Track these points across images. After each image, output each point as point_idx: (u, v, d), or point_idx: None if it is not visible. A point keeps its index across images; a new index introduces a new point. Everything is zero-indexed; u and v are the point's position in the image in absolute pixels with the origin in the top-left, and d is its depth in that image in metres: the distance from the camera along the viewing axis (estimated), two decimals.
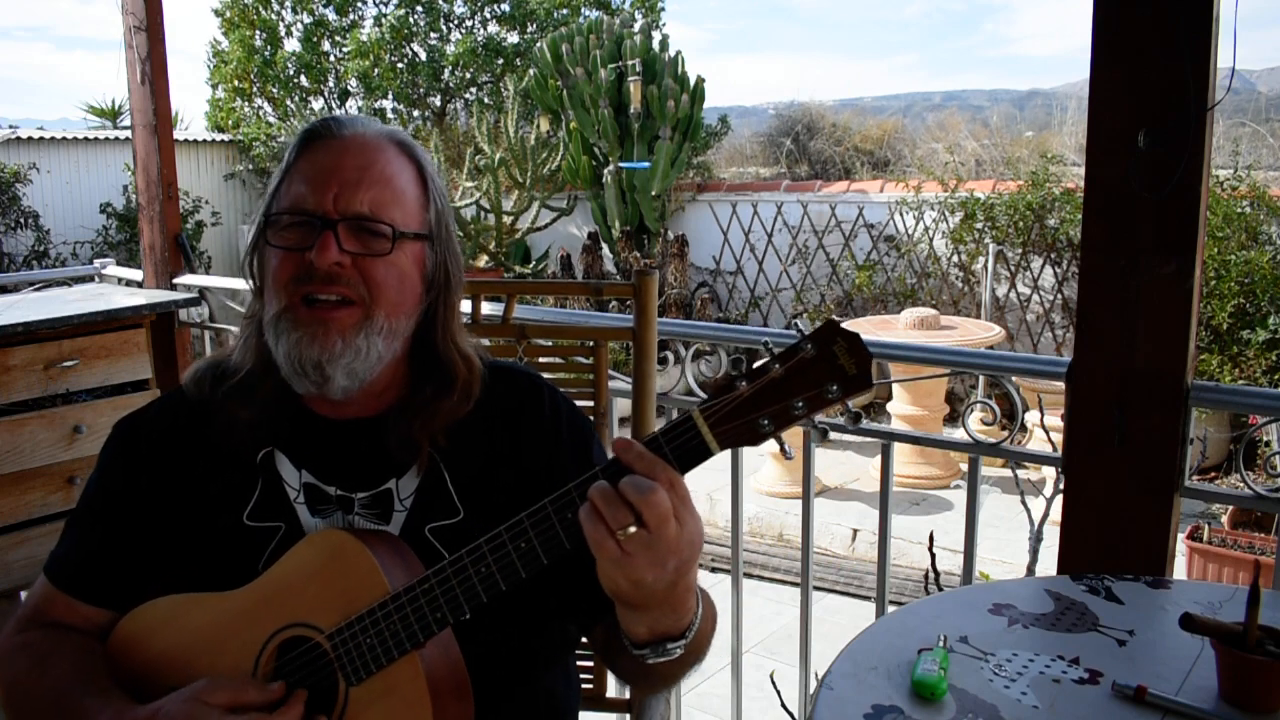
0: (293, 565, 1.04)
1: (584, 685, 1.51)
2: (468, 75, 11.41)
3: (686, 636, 0.94)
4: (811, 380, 0.83)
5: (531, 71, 8.44)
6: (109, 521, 1.13)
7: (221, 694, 0.97)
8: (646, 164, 7.60)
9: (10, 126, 8.44)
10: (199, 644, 1.05)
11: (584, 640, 1.52)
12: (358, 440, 1.12)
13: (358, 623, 0.98)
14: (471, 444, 1.12)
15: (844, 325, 0.84)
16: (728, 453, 2.03)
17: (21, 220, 8.04)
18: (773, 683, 2.14)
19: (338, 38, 11.71)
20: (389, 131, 1.10)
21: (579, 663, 1.47)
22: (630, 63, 7.52)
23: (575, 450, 1.17)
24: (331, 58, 11.73)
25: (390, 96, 11.35)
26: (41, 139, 8.55)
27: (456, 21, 11.74)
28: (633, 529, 0.82)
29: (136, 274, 3.55)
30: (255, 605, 1.04)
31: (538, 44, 8.76)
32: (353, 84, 11.44)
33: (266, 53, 11.54)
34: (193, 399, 1.14)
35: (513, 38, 11.68)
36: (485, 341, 1.65)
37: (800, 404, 0.83)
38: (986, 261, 6.39)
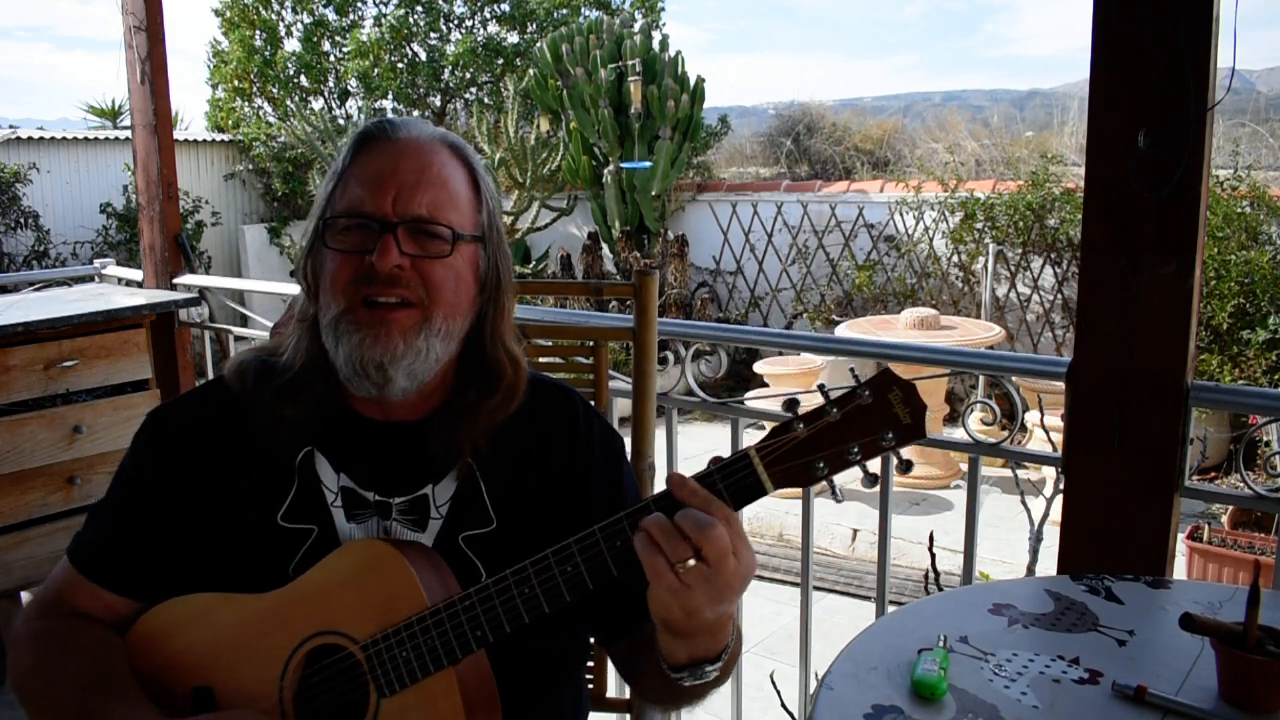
0: (327, 572, 1.02)
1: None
2: (468, 75, 11.40)
3: (722, 659, 0.96)
4: (867, 427, 0.85)
5: (531, 71, 8.45)
6: (138, 510, 1.12)
7: None
8: (646, 164, 7.60)
9: (10, 126, 8.44)
10: (225, 644, 1.04)
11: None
12: (400, 444, 1.11)
13: (394, 635, 0.97)
14: (508, 456, 1.12)
15: (898, 375, 0.86)
16: (727, 453, 2.03)
17: (21, 220, 8.04)
18: (773, 683, 2.15)
19: (338, 38, 11.70)
20: (441, 134, 1.11)
21: None
22: (630, 63, 7.53)
23: (607, 466, 1.18)
24: (331, 58, 11.72)
25: (390, 96, 11.34)
26: (41, 139, 8.54)
27: (456, 21, 11.74)
28: (692, 562, 0.84)
29: (136, 274, 3.55)
30: (286, 609, 1.03)
31: (538, 44, 8.77)
32: (353, 84, 11.44)
33: (266, 53, 11.54)
34: (234, 392, 1.12)
35: (513, 38, 11.68)
36: None
37: (856, 450, 0.85)
38: (986, 261, 6.39)
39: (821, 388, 0.89)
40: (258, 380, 1.11)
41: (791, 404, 0.89)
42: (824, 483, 0.88)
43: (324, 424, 1.11)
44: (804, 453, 0.85)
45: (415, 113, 11.48)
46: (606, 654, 1.38)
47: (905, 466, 0.91)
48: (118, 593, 1.11)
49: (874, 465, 0.89)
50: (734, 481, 0.88)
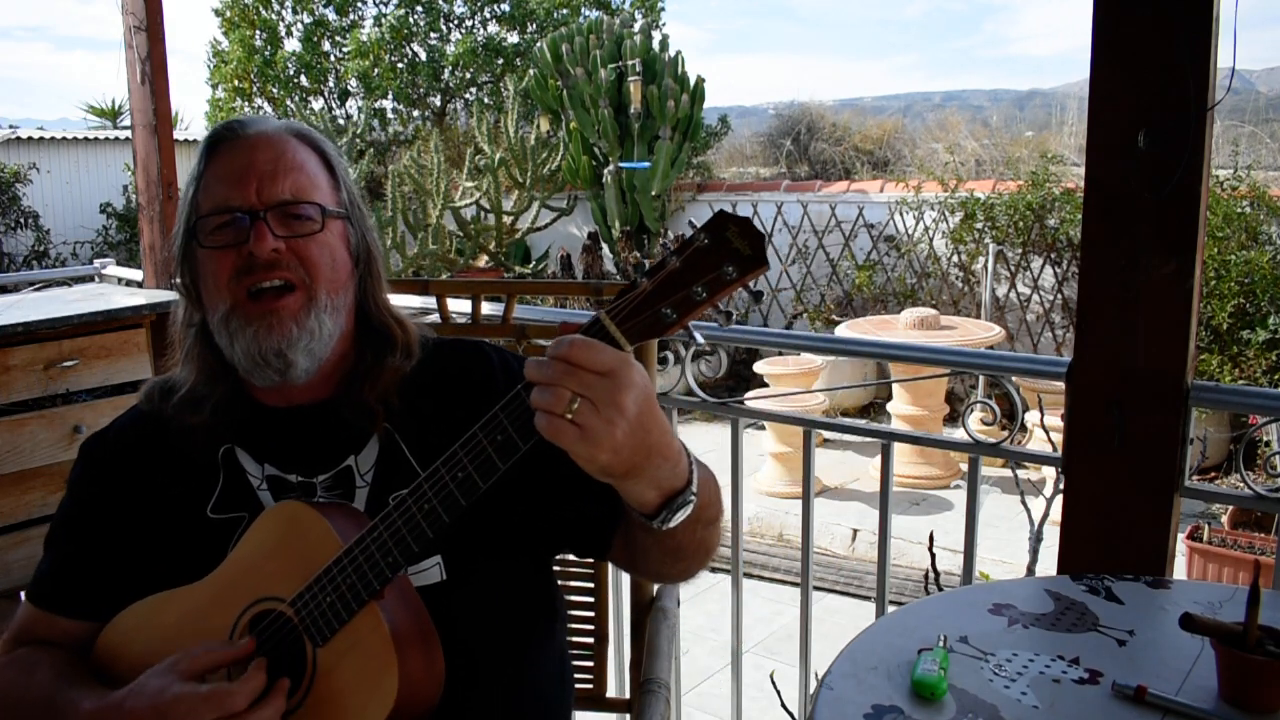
0: (252, 544, 1.06)
1: (584, 685, 1.52)
2: (468, 75, 11.41)
3: (693, 481, 0.95)
4: (709, 266, 0.85)
5: (531, 71, 8.45)
6: (82, 536, 1.17)
7: (192, 664, 0.99)
8: (646, 164, 7.60)
9: (10, 126, 8.45)
10: (174, 638, 1.07)
11: (583, 637, 1.53)
12: (313, 424, 1.15)
13: (315, 584, 0.99)
14: (423, 409, 1.15)
15: (733, 214, 0.86)
16: (727, 453, 2.04)
17: (21, 220, 8.05)
18: (773, 683, 2.14)
19: (338, 38, 11.71)
20: (288, 124, 1.16)
21: (577, 662, 1.48)
22: (630, 63, 7.53)
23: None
24: (331, 58, 11.73)
25: (390, 96, 11.36)
26: (41, 139, 8.55)
27: (456, 21, 11.75)
28: (575, 404, 0.84)
29: (136, 274, 3.54)
30: (221, 590, 1.06)
31: (538, 44, 8.77)
32: (353, 84, 11.44)
33: (266, 53, 11.54)
34: (148, 412, 1.18)
35: (513, 38, 11.69)
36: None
37: (700, 290, 0.85)
38: (986, 261, 6.39)
39: (664, 245, 0.90)
40: (163, 398, 1.17)
41: (639, 266, 0.89)
42: (690, 338, 0.89)
43: (237, 422, 1.15)
44: (651, 303, 0.86)
45: (415, 113, 11.49)
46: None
47: (756, 297, 0.91)
48: (72, 617, 1.16)
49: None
50: None
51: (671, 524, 0.95)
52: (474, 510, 0.94)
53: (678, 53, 7.76)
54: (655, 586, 1.53)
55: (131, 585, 1.13)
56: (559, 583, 1.29)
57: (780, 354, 5.84)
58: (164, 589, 1.10)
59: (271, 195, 1.08)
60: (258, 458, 1.15)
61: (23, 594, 1.21)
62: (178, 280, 1.15)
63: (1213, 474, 5.11)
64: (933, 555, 2.53)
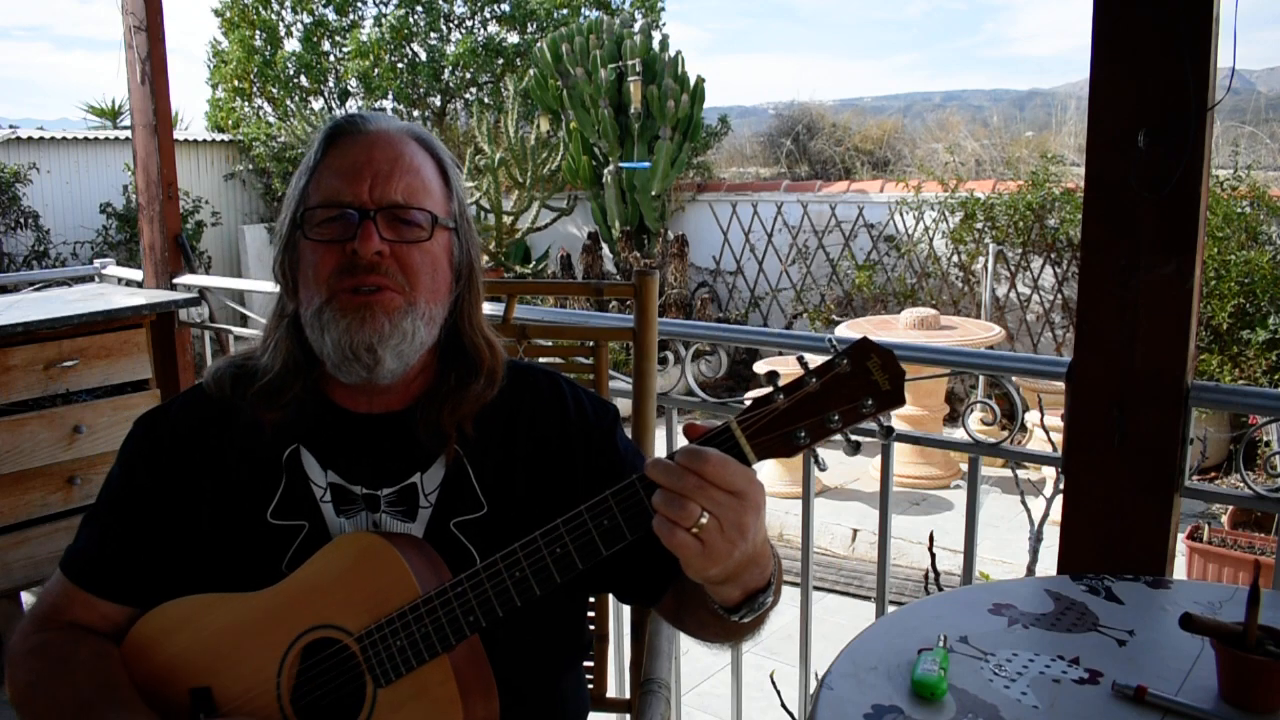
0: (320, 567, 1.03)
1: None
2: (468, 75, 11.40)
3: (772, 583, 0.96)
4: (846, 395, 0.85)
5: (531, 71, 8.44)
6: (129, 517, 1.12)
7: None
8: (646, 164, 7.60)
9: (10, 126, 8.44)
10: (221, 645, 1.05)
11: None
12: (385, 434, 1.12)
13: (388, 625, 0.98)
14: (494, 440, 1.13)
15: (876, 341, 0.86)
16: None
17: (21, 220, 8.04)
18: (773, 683, 2.14)
19: (338, 38, 11.70)
20: (409, 127, 1.13)
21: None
22: (630, 63, 7.53)
23: (600, 436, 1.17)
24: (331, 58, 11.72)
25: (390, 96, 11.34)
26: (41, 139, 8.54)
27: (456, 21, 11.74)
28: (705, 519, 0.83)
29: (136, 274, 3.55)
30: (280, 607, 1.03)
31: (538, 44, 8.76)
32: (353, 84, 11.44)
33: (266, 53, 11.54)
34: (214, 398, 1.13)
35: (513, 38, 11.68)
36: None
37: (836, 417, 0.85)
38: (986, 261, 6.39)
39: (801, 359, 0.90)
40: (235, 386, 1.12)
41: (772, 375, 0.89)
42: (807, 452, 0.88)
43: (307, 422, 1.12)
44: (784, 423, 0.86)
45: (415, 113, 11.49)
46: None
47: (887, 432, 0.91)
48: (113, 600, 1.12)
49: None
50: None
51: (746, 620, 0.96)
52: None
53: (678, 53, 7.75)
54: None
55: (178, 576, 1.09)
56: None
57: (780, 354, 5.84)
58: (213, 587, 1.07)
59: (384, 196, 1.05)
60: (323, 463, 1.11)
61: (59, 568, 1.15)
62: (275, 269, 1.12)
63: (1213, 474, 5.11)
64: (933, 555, 2.53)
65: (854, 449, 0.88)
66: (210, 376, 1.15)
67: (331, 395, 1.13)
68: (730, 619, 0.96)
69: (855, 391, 0.85)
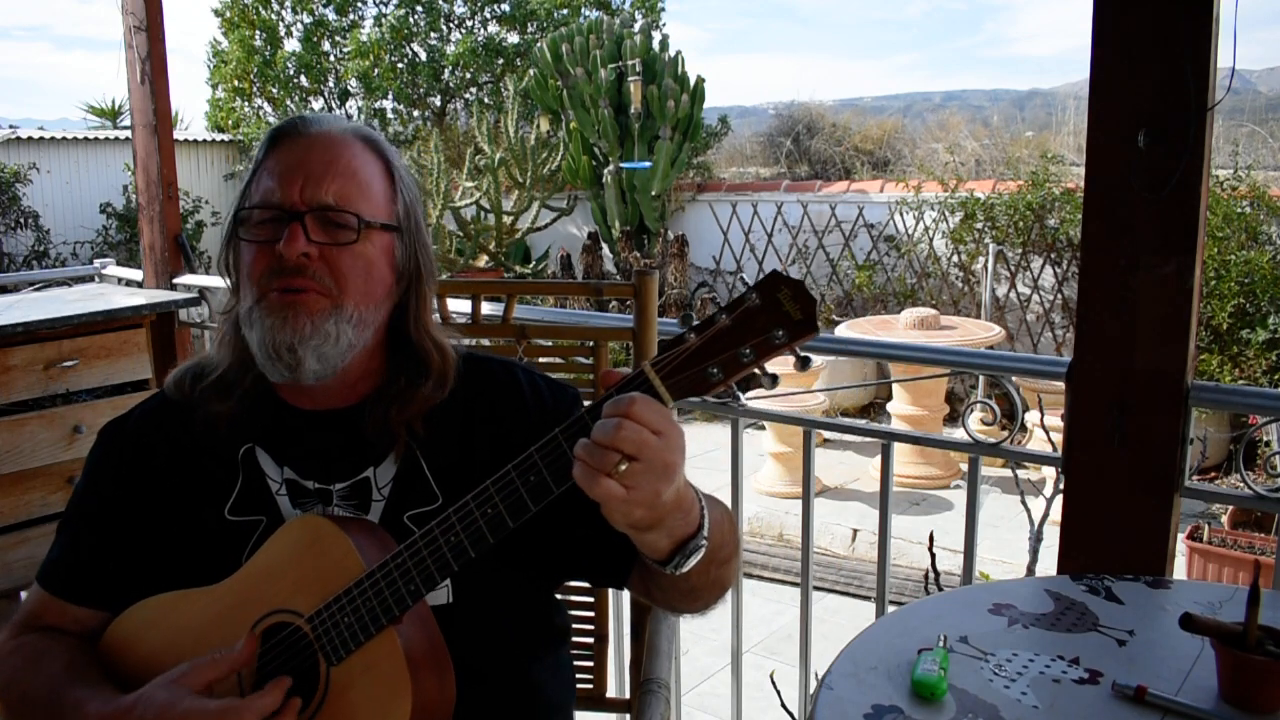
0: (271, 554, 1.05)
1: (584, 685, 1.52)
2: (468, 75, 11.41)
3: (704, 527, 0.95)
4: (759, 328, 0.84)
5: (531, 71, 8.45)
6: (97, 524, 1.15)
7: (200, 675, 0.99)
8: (646, 164, 7.60)
9: (10, 126, 8.45)
10: (186, 640, 1.07)
11: (583, 637, 1.53)
12: (335, 430, 1.13)
13: (335, 603, 0.99)
14: (448, 432, 1.14)
15: (786, 275, 0.86)
16: (727, 453, 2.04)
17: (21, 220, 8.05)
18: (773, 683, 2.15)
19: (338, 38, 11.71)
20: (355, 128, 1.13)
21: (578, 661, 1.48)
22: (630, 63, 7.53)
23: (557, 419, 1.17)
24: (331, 58, 11.73)
25: (390, 96, 11.35)
26: (41, 139, 8.55)
27: (456, 21, 11.75)
28: (624, 465, 0.83)
29: (136, 274, 3.54)
30: (238, 596, 1.06)
31: (538, 44, 8.77)
32: (353, 84, 11.44)
33: (266, 53, 11.55)
34: (174, 400, 1.16)
35: (513, 38, 11.69)
36: (485, 341, 1.65)
37: (748, 351, 0.84)
38: (986, 261, 6.39)
39: (714, 300, 0.90)
40: (193, 384, 1.15)
41: (685, 318, 0.89)
42: (724, 389, 0.88)
43: (261, 420, 1.14)
44: (697, 361, 0.85)
45: (415, 113, 11.49)
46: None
47: (804, 362, 0.90)
48: (84, 605, 1.15)
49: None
50: None
51: (684, 569, 0.95)
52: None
53: (678, 53, 7.76)
54: None
55: (145, 578, 1.12)
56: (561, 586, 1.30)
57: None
58: (179, 585, 1.09)
59: (314, 197, 1.06)
60: (278, 460, 1.13)
61: (35, 581, 1.19)
62: (219, 266, 1.15)
63: (1213, 474, 5.11)
64: (933, 555, 2.53)
65: (773, 381, 0.87)
66: (171, 380, 1.18)
67: (279, 392, 1.15)
68: (665, 570, 0.95)
69: (767, 324, 0.84)
